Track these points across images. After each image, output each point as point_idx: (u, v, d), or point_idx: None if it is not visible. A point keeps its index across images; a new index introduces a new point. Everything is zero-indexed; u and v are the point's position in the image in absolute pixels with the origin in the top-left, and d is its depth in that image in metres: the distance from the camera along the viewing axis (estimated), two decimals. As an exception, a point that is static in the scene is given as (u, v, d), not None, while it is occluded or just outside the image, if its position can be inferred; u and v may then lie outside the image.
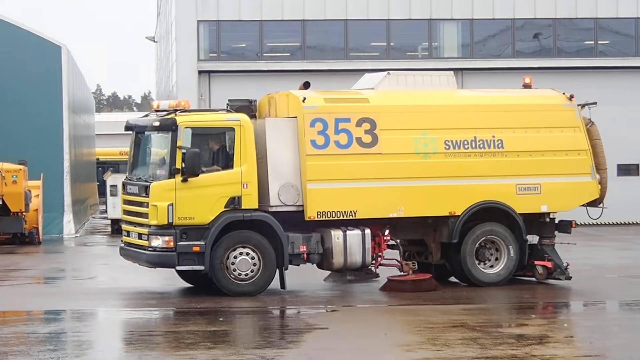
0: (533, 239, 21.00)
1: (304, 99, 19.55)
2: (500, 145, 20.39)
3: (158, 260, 19.13)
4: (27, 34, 37.25)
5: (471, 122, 20.42)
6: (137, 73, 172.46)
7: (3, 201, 30.75)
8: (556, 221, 20.92)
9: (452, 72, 21.91)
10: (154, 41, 58.25)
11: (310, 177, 19.35)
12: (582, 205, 21.12)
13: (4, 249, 30.11)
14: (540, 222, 20.81)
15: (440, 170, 20.07)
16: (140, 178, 19.78)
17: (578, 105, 21.30)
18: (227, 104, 20.21)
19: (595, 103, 21.37)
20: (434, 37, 39.94)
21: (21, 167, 31.54)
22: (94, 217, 47.05)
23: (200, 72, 38.81)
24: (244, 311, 17.96)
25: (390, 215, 19.84)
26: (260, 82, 36.57)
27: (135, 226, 19.60)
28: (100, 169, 52.81)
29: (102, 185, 44.73)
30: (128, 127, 20.30)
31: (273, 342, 15.03)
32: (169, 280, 21.22)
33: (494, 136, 20.38)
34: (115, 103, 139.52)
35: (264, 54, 39.66)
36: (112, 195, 34.93)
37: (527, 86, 21.52)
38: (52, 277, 24.27)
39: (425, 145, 20.01)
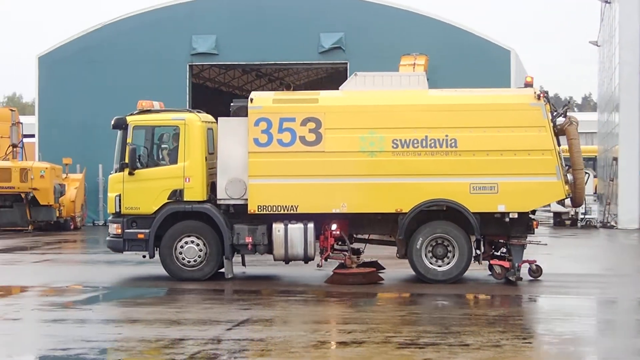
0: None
1: (251, 99, 20.41)
2: (453, 145, 20.08)
3: (110, 245, 20.84)
4: (477, 39, 40.39)
5: (422, 121, 20.18)
6: (579, 75, 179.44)
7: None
8: (531, 221, 20.49)
9: (423, 72, 21.60)
10: (597, 45, 60.37)
11: (252, 173, 20.19)
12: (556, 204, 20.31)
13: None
14: (505, 222, 20.29)
15: (387, 168, 20.14)
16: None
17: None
18: (231, 104, 21.04)
19: (569, 103, 20.61)
20: None
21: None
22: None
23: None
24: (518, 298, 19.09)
25: (333, 211, 20.15)
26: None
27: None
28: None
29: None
30: None
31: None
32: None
33: (447, 135, 20.06)
34: (557, 103, 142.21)
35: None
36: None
37: (528, 85, 20.78)
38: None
39: (372, 144, 20.13)
